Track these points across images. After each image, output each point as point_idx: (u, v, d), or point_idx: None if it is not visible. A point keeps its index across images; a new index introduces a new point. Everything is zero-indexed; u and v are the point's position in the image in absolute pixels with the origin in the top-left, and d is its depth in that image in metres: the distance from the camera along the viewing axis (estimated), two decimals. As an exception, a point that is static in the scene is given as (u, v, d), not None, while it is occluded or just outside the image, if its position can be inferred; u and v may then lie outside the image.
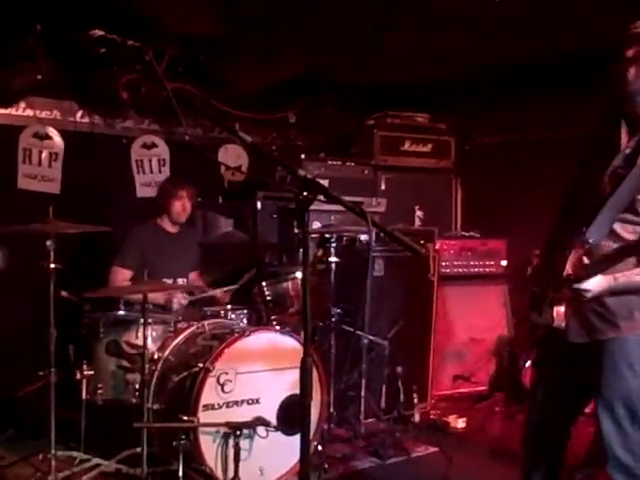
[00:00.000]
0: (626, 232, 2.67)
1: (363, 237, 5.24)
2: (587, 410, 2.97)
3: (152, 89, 5.51)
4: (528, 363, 4.97)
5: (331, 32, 5.14)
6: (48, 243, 3.90)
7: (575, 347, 2.74)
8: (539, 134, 6.14)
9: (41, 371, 3.88)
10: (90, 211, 5.17)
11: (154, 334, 4.22)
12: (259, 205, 5.30)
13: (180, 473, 3.54)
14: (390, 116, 6.42)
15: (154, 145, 6.01)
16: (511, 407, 5.24)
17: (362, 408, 4.90)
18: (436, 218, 6.31)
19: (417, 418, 5.14)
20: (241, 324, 4.42)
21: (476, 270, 5.81)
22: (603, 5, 4.17)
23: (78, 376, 4.07)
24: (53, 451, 3.78)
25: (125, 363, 4.10)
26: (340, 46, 5.41)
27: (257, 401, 3.89)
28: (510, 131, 6.39)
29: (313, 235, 4.88)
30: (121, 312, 4.31)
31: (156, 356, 4.03)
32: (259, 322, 4.43)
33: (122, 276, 4.68)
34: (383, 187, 6.25)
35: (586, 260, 2.60)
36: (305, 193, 2.31)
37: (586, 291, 2.60)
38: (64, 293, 4.19)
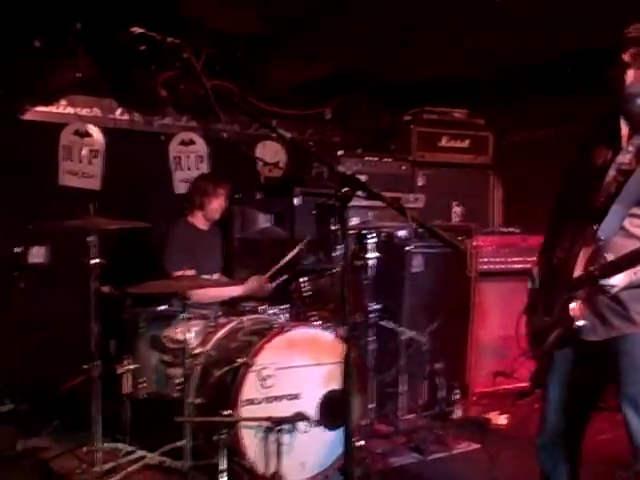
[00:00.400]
0: (634, 227, 2.69)
1: (401, 233, 5.21)
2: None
3: (190, 86, 5.55)
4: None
5: (366, 30, 5.13)
6: (89, 239, 3.94)
7: (587, 345, 2.72)
8: (578, 129, 6.05)
9: (85, 365, 3.92)
10: (129, 207, 5.21)
11: (195, 329, 4.23)
12: (296, 201, 5.29)
13: (222, 467, 3.54)
14: (427, 112, 6.37)
15: (192, 142, 6.05)
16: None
17: (402, 404, 4.88)
18: (474, 214, 6.26)
19: (458, 414, 5.10)
20: (280, 320, 4.42)
21: (516, 266, 5.73)
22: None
23: (120, 370, 4.12)
24: (98, 443, 3.82)
25: (166, 358, 4.15)
26: (376, 43, 5.39)
27: (297, 396, 3.90)
28: (548, 126, 6.31)
29: (350, 231, 4.87)
30: (161, 307, 4.34)
31: (197, 351, 4.05)
32: (298, 318, 4.44)
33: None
34: (420, 183, 6.22)
35: (610, 257, 2.59)
36: (345, 189, 2.30)
37: (612, 287, 2.59)
38: (105, 288, 4.23)
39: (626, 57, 2.63)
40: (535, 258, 3.09)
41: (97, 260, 3.92)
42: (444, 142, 6.39)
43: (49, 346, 4.71)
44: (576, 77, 5.48)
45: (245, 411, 3.70)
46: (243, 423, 3.66)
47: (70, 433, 4.44)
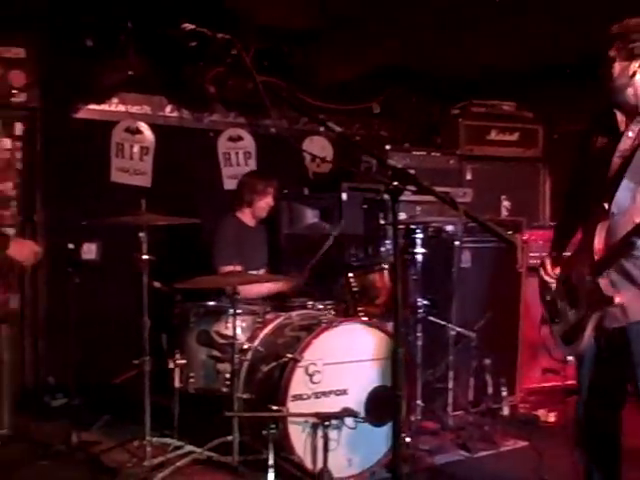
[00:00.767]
0: None
1: (449, 228, 5.18)
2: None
3: (238, 83, 5.60)
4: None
5: (414, 24, 5.10)
6: (141, 235, 4.00)
7: (608, 339, 2.79)
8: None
9: (136, 359, 3.99)
10: (179, 204, 5.28)
11: (243, 325, 4.28)
12: (344, 196, 5.29)
13: (270, 462, 3.58)
14: (475, 105, 6.31)
15: (240, 138, 6.09)
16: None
17: (449, 400, 4.86)
18: (523, 208, 6.19)
19: (506, 411, 5.06)
20: (328, 315, 4.42)
21: (566, 261, 5.66)
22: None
23: (171, 365, 4.17)
24: (148, 437, 3.87)
25: (216, 353, 4.18)
26: (423, 37, 5.35)
27: (345, 392, 3.91)
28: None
29: (399, 226, 4.85)
30: (211, 302, 4.39)
31: (246, 346, 4.10)
32: (346, 313, 4.44)
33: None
34: (469, 177, 6.18)
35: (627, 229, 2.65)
36: (395, 183, 2.30)
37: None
38: (156, 284, 4.29)
39: (612, 52, 2.81)
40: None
41: (148, 256, 3.99)
42: (493, 135, 6.33)
43: (101, 341, 4.79)
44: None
45: (293, 406, 3.72)
46: (291, 418, 3.69)
47: (120, 427, 4.52)
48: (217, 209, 5.35)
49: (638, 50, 2.77)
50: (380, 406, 3.91)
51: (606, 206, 2.75)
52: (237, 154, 6.06)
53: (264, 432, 3.60)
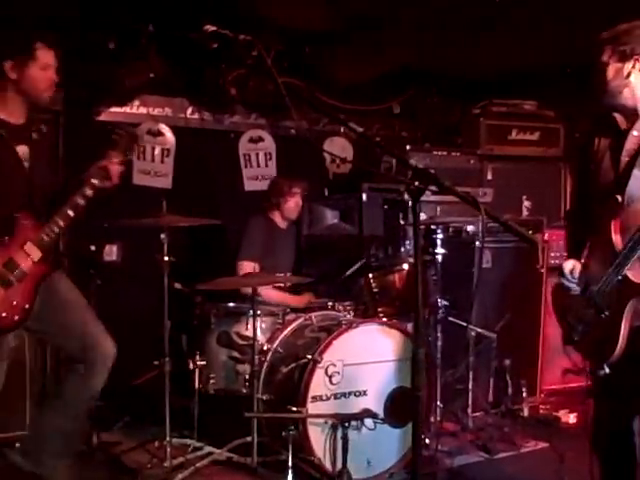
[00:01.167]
0: None
1: (469, 228, 5.17)
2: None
3: (259, 84, 5.61)
4: None
5: (434, 24, 5.08)
6: (162, 236, 4.03)
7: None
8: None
9: (156, 360, 4.02)
10: (200, 205, 5.31)
11: (263, 326, 4.31)
12: (364, 197, 5.29)
13: (289, 463, 3.59)
14: (496, 104, 6.27)
15: (261, 139, 6.10)
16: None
17: (469, 401, 4.85)
18: (544, 208, 6.14)
19: (526, 412, 5.04)
20: (347, 316, 4.44)
21: (587, 261, 5.63)
22: None
23: (191, 366, 4.21)
24: (168, 438, 3.90)
25: (236, 354, 4.21)
26: (443, 37, 5.34)
27: (364, 393, 3.92)
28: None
29: (420, 226, 4.83)
30: (231, 304, 4.42)
31: (265, 347, 4.12)
32: (365, 314, 4.45)
33: (249, 269, 4.61)
34: (490, 177, 6.14)
35: None
36: (416, 183, 2.30)
37: None
38: (177, 285, 4.32)
39: (605, 57, 2.82)
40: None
41: (169, 257, 4.02)
42: (514, 135, 6.29)
43: (122, 342, 4.81)
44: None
45: (312, 407, 3.74)
46: (310, 419, 3.70)
47: (141, 428, 4.55)
48: (238, 210, 5.38)
49: (630, 51, 2.79)
50: (399, 407, 3.92)
51: (619, 198, 2.75)
52: (258, 155, 6.08)
53: (283, 433, 3.62)
